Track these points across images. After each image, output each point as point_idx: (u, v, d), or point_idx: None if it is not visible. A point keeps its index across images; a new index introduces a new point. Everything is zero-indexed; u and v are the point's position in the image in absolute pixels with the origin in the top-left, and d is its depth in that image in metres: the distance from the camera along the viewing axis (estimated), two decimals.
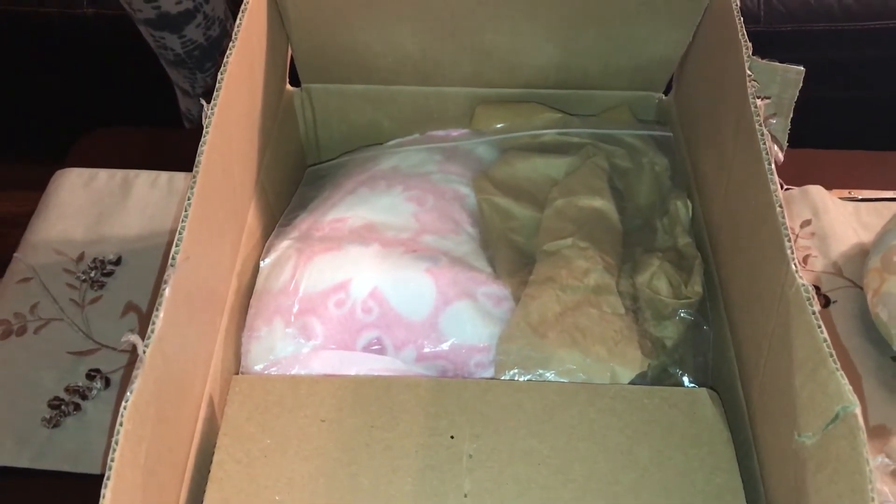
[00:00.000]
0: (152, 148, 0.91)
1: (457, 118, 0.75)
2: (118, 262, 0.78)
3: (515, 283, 0.60)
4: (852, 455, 0.36)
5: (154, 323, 0.40)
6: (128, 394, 0.37)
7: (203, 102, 0.49)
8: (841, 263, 0.78)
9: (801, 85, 0.54)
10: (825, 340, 0.39)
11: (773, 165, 0.46)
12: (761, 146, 0.47)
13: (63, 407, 0.68)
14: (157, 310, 0.40)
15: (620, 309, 0.57)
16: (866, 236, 0.79)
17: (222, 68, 0.51)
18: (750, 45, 0.52)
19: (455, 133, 0.74)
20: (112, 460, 0.35)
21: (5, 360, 0.71)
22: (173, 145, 0.91)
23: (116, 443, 0.36)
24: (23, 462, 0.65)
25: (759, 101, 0.49)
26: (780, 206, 0.44)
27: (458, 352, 0.58)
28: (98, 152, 0.90)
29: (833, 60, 1.31)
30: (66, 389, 0.69)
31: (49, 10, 1.34)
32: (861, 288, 0.74)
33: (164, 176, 0.85)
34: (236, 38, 0.54)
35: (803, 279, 0.41)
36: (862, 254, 0.77)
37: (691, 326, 0.58)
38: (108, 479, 0.35)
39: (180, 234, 0.43)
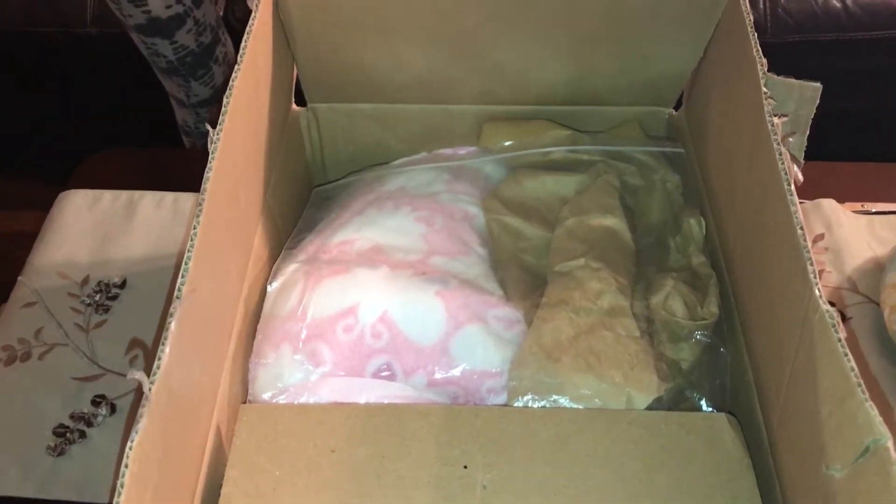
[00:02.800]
0: (157, 168, 0.91)
1: (464, 136, 0.74)
2: (123, 285, 0.77)
3: (527, 305, 0.59)
4: (885, 489, 0.35)
5: (160, 358, 0.39)
6: (133, 433, 0.36)
7: (209, 127, 0.48)
8: (856, 279, 0.76)
9: (818, 101, 0.53)
10: (853, 369, 0.37)
11: (792, 186, 0.45)
12: (780, 166, 0.46)
13: (68, 434, 0.67)
14: (163, 344, 0.39)
15: (635, 331, 0.56)
16: (881, 250, 0.78)
17: (227, 91, 0.51)
18: (765, 61, 0.51)
19: (462, 151, 0.73)
20: (117, 502, 0.34)
21: (10, 386, 0.70)
22: (178, 165, 0.90)
23: (122, 486, 0.35)
24: (27, 492, 0.64)
25: (776, 120, 0.48)
26: (801, 229, 0.43)
27: (469, 377, 0.57)
28: (103, 173, 0.89)
29: (841, 70, 1.30)
30: (72, 416, 0.68)
31: (52, 31, 1.34)
32: (877, 304, 0.73)
33: (168, 197, 0.84)
34: (241, 60, 0.53)
35: (827, 305, 0.40)
36: (877, 268, 0.76)
37: (708, 348, 0.57)
38: None
39: (186, 264, 0.42)
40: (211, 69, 1.05)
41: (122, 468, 0.35)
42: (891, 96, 1.37)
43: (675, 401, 0.56)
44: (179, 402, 0.42)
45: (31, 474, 0.64)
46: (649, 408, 0.53)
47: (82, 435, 0.67)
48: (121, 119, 1.47)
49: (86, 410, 0.68)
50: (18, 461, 0.65)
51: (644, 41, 0.65)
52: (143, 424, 0.36)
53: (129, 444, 0.36)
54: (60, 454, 0.66)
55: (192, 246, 0.43)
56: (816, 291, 0.41)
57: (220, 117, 0.49)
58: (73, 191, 0.86)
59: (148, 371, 0.39)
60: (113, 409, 0.68)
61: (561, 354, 0.54)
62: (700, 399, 0.56)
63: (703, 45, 0.64)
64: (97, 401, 0.69)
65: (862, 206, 0.82)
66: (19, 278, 0.78)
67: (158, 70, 1.10)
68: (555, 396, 0.54)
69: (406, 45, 0.66)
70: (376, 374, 0.57)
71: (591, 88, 0.70)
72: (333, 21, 0.64)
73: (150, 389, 0.37)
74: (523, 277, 0.62)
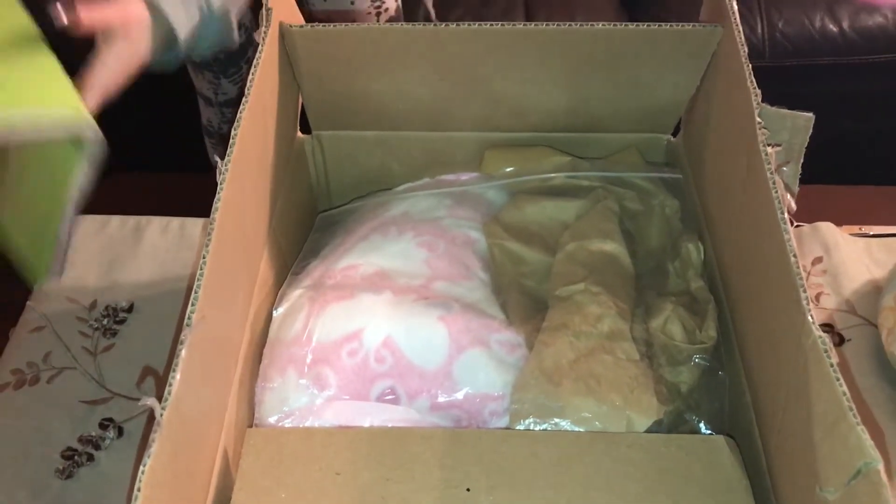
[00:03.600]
0: (164, 193, 0.92)
1: (466, 162, 0.75)
2: (130, 309, 0.78)
3: (528, 329, 0.60)
4: None
5: (171, 385, 0.40)
6: (145, 458, 0.37)
7: (217, 159, 0.49)
8: (854, 301, 0.77)
9: (811, 131, 0.54)
10: (844, 394, 0.38)
11: (785, 215, 0.46)
12: (773, 195, 0.47)
13: (76, 457, 0.68)
14: (174, 371, 0.40)
15: (635, 355, 0.57)
16: (879, 273, 0.79)
17: (236, 123, 0.52)
18: (759, 91, 0.53)
19: (465, 177, 0.75)
20: None
21: (19, 409, 0.71)
22: (185, 190, 0.91)
23: None
24: None
25: (769, 149, 0.49)
26: (794, 256, 0.44)
27: (472, 401, 0.58)
28: (110, 198, 0.90)
29: (838, 94, 1.32)
30: (80, 439, 0.69)
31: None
32: (875, 326, 0.74)
33: (175, 222, 0.85)
34: (249, 92, 0.54)
35: (820, 331, 0.41)
36: (875, 291, 0.76)
37: (706, 372, 0.58)
38: None
39: (196, 292, 0.43)
40: (241, 69, 1.06)
41: (135, 492, 0.36)
42: (887, 119, 1.38)
43: (674, 423, 0.57)
44: (189, 426, 0.43)
45: (39, 497, 0.65)
46: (649, 430, 0.54)
47: (90, 458, 0.68)
48: (128, 144, 1.48)
49: (94, 433, 0.69)
50: (28, 484, 0.66)
51: (642, 70, 0.66)
52: (154, 449, 0.37)
53: (141, 468, 0.37)
54: (69, 477, 0.67)
55: (201, 274, 0.44)
56: (809, 318, 0.42)
57: (229, 148, 0.50)
58: (80, 216, 0.87)
59: (159, 397, 0.40)
60: (121, 432, 0.69)
61: (562, 378, 0.55)
62: (699, 422, 0.57)
63: (700, 74, 0.65)
64: (105, 424, 0.70)
65: (860, 229, 0.83)
66: (28, 303, 0.79)
67: (191, 65, 1.11)
68: (556, 419, 0.54)
69: (408, 75, 0.67)
70: (380, 398, 0.58)
71: (590, 115, 0.71)
72: (337, 53, 0.66)
73: (161, 415, 0.39)
74: (525, 302, 0.63)
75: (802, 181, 0.59)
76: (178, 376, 0.40)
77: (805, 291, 0.42)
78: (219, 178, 0.49)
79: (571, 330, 0.58)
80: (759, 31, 1.29)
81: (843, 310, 0.77)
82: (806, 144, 0.54)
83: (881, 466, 0.36)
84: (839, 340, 0.74)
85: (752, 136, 0.51)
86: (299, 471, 0.51)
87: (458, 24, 0.62)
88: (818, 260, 0.80)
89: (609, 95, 0.69)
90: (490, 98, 0.70)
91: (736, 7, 0.59)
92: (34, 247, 0.60)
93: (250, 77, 0.55)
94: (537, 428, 0.55)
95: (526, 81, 0.67)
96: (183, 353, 0.41)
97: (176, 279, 0.80)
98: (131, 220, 0.86)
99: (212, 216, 0.47)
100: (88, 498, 0.65)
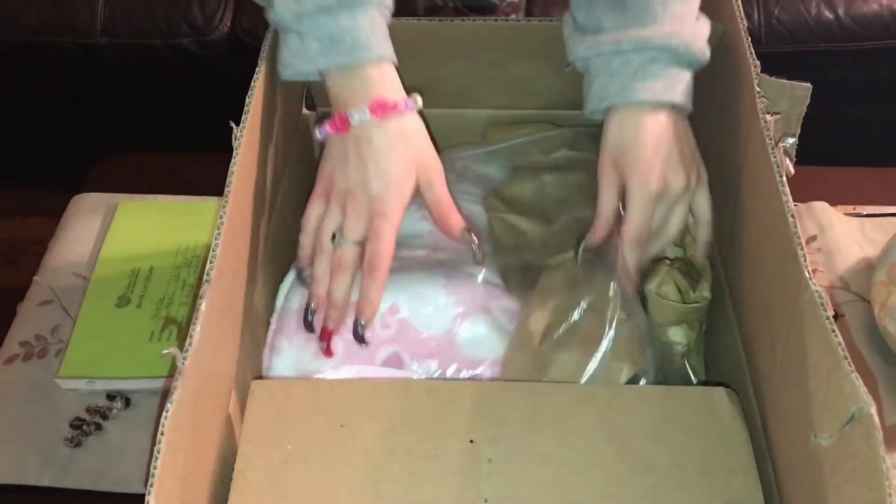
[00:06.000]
0: (166, 173, 0.93)
1: (471, 139, 0.76)
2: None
3: (526, 298, 0.62)
4: (869, 454, 0.37)
5: (191, 336, 0.41)
6: (168, 404, 0.38)
7: (232, 124, 0.51)
8: (847, 278, 0.79)
9: (808, 101, 0.56)
10: (840, 344, 0.40)
11: (784, 178, 0.47)
12: (772, 159, 0.48)
13: (85, 427, 0.69)
14: (194, 323, 0.42)
15: (622, 315, 0.58)
16: (872, 251, 0.80)
17: (249, 92, 0.53)
18: (758, 63, 0.54)
19: (467, 152, 0.76)
20: (154, 468, 0.37)
21: (28, 381, 0.72)
22: (186, 170, 0.93)
23: (158, 451, 0.37)
24: (45, 481, 0.66)
25: (768, 117, 0.50)
26: (793, 216, 0.45)
27: (474, 365, 0.59)
28: (114, 178, 0.91)
29: (833, 79, 1.34)
30: (88, 410, 0.70)
31: (64, 41, 1.36)
32: (868, 302, 0.75)
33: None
34: (262, 63, 0.56)
35: (817, 285, 0.42)
36: (868, 268, 0.78)
37: (701, 331, 0.59)
38: (151, 485, 0.36)
39: (214, 251, 0.45)
40: None
41: (158, 436, 0.37)
42: (881, 104, 1.40)
43: (670, 381, 0.58)
44: (207, 377, 0.44)
45: (49, 464, 0.66)
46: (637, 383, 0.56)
47: (98, 427, 0.69)
48: (129, 127, 1.49)
49: (101, 404, 0.70)
50: (37, 452, 0.67)
51: None
52: (177, 396, 0.39)
53: (164, 413, 0.38)
54: (77, 445, 0.68)
55: (219, 234, 0.46)
56: (806, 273, 0.43)
57: (243, 115, 0.52)
58: (86, 194, 0.88)
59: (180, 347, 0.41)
60: (128, 402, 0.70)
61: (549, 336, 0.56)
62: (695, 379, 0.58)
63: None
64: (112, 395, 0.71)
65: (853, 208, 0.85)
66: (35, 278, 0.80)
67: None
68: (542, 376, 0.56)
69: (414, 52, 0.68)
70: (385, 364, 0.60)
71: None
72: None
73: (183, 363, 0.40)
74: (523, 272, 0.65)
75: (797, 162, 0.61)
76: (198, 328, 0.41)
77: (802, 249, 0.44)
78: (234, 144, 0.50)
79: (561, 292, 0.59)
80: (756, 17, 1.30)
81: (836, 286, 0.78)
82: (804, 114, 0.56)
83: (873, 410, 0.37)
84: (833, 316, 0.76)
85: (752, 104, 0.52)
86: (304, 423, 0.51)
87: (462, 20, 0.65)
88: (812, 238, 0.82)
89: None
90: (497, 77, 0.71)
91: None
92: None
93: (263, 47, 0.56)
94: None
95: (531, 61, 0.68)
96: (203, 306, 0.42)
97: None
98: (135, 198, 0.87)
99: (228, 179, 0.48)
100: (96, 465, 0.67)
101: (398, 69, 0.58)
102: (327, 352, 0.58)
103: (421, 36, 0.65)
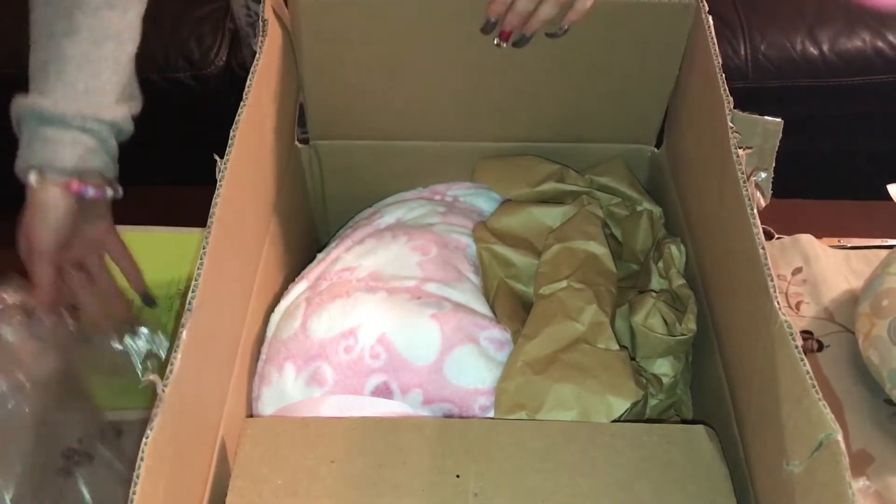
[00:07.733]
0: (163, 204, 0.94)
1: (458, 172, 0.78)
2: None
3: (516, 327, 0.63)
4: (835, 479, 0.38)
5: (172, 363, 0.42)
6: (148, 430, 0.39)
7: (216, 157, 0.52)
8: (832, 309, 0.80)
9: (780, 135, 0.57)
10: (808, 372, 0.41)
11: (755, 210, 0.48)
12: (744, 193, 0.49)
13: (76, 458, 0.69)
14: (175, 352, 0.42)
15: (614, 345, 0.59)
16: (857, 283, 0.81)
17: (234, 125, 0.55)
18: (731, 98, 0.55)
19: (456, 187, 0.78)
20: (133, 493, 0.37)
21: (21, 409, 0.72)
22: (182, 201, 0.94)
23: (137, 477, 0.38)
24: None
25: (741, 152, 0.52)
26: (763, 248, 0.46)
27: (462, 395, 0.60)
28: (113, 211, 0.92)
29: (819, 115, 1.36)
30: (79, 440, 0.70)
31: None
32: (853, 332, 0.76)
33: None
34: (247, 97, 0.57)
35: (785, 315, 0.43)
36: (853, 299, 0.79)
37: (686, 364, 0.60)
38: None
39: (196, 280, 0.46)
40: None
41: (138, 462, 0.38)
42: (865, 138, 1.42)
43: (656, 414, 0.59)
44: (189, 408, 0.45)
45: (40, 496, 0.67)
46: (631, 419, 0.56)
47: (90, 458, 0.69)
48: (125, 157, 1.50)
49: (92, 433, 0.71)
50: (29, 483, 0.67)
51: (613, 80, 0.69)
52: (157, 422, 0.39)
53: (143, 440, 0.39)
54: (68, 476, 0.68)
55: (201, 263, 0.47)
56: (776, 304, 0.44)
57: (228, 147, 0.53)
58: None
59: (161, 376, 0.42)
60: (119, 433, 0.71)
61: (543, 367, 0.57)
62: (679, 412, 0.59)
63: (678, 63, 0.69)
64: (103, 426, 0.71)
65: (839, 241, 0.86)
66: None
67: None
68: (537, 406, 0.56)
69: (406, 87, 0.70)
70: (374, 393, 0.60)
71: (576, 126, 0.75)
72: (343, 62, 0.69)
73: (163, 391, 0.41)
74: (512, 302, 0.66)
75: (784, 196, 0.62)
76: (178, 356, 0.42)
77: (772, 280, 0.45)
78: (218, 176, 0.51)
79: (553, 322, 0.60)
80: (743, 53, 1.33)
81: (821, 317, 0.79)
82: (777, 148, 0.57)
83: (840, 436, 0.38)
84: (818, 346, 0.77)
85: (725, 139, 0.54)
86: (295, 458, 0.52)
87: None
88: (798, 270, 0.83)
89: (591, 104, 0.72)
90: (481, 110, 0.73)
91: (711, 22, 0.62)
92: None
93: (248, 83, 0.58)
94: (520, 414, 0.56)
95: (516, 93, 0.70)
96: (184, 335, 0.43)
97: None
98: (132, 229, 0.88)
99: (211, 210, 0.49)
100: (87, 496, 0.67)
101: None
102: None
103: None
